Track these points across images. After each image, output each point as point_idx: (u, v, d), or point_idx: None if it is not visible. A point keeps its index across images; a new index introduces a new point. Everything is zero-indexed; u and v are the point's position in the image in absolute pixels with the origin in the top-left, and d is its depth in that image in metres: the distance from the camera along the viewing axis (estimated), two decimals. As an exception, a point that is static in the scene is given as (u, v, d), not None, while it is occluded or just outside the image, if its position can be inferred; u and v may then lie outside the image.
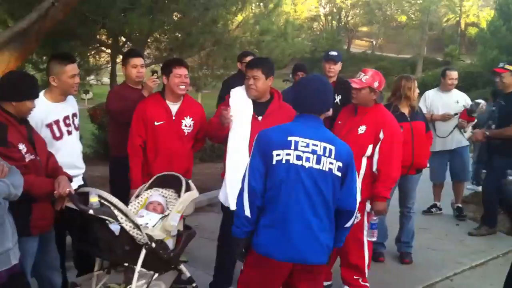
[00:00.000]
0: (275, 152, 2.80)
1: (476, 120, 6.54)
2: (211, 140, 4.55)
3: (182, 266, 3.51)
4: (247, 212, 2.82)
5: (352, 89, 4.05)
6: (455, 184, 6.69)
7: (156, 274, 3.27)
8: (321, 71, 5.35)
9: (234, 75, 6.27)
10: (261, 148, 2.84)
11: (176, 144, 4.04)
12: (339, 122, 4.18)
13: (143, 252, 3.09)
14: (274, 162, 2.80)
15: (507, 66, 5.69)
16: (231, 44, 11.65)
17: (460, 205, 6.69)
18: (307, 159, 2.79)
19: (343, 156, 2.83)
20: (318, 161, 2.79)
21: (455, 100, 6.36)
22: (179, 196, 3.47)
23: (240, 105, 3.91)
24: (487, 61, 27.90)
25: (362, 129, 4.01)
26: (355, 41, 48.40)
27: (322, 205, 2.81)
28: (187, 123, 4.10)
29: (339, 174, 2.83)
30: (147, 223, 3.32)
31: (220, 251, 4.11)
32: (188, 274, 3.54)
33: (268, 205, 2.82)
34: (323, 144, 2.82)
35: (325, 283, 4.32)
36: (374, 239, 4.14)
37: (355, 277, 4.13)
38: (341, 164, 2.82)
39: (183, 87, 4.04)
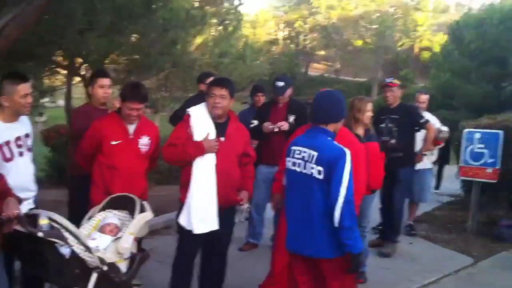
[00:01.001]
0: (286, 159, 3.39)
1: (442, 144, 6.83)
2: (170, 163, 4.48)
3: (135, 290, 3.46)
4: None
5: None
6: (411, 204, 6.88)
7: (108, 298, 3.21)
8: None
9: (196, 95, 6.30)
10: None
11: (134, 163, 4.02)
12: None
13: (94, 275, 3.04)
14: (286, 168, 3.41)
15: (395, 81, 6.07)
16: (190, 66, 11.68)
17: (411, 223, 6.88)
18: (299, 165, 3.25)
19: (323, 162, 3.12)
20: (304, 166, 3.21)
21: None
22: (133, 217, 3.43)
23: (202, 125, 3.92)
24: (440, 84, 28.79)
25: None
26: (312, 64, 49.14)
27: (309, 205, 3.16)
28: (144, 142, 4.08)
29: (320, 177, 3.12)
30: (97, 246, 3.27)
31: (175, 274, 4.07)
32: (141, 298, 3.50)
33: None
34: (309, 150, 3.20)
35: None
36: None
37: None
38: (321, 169, 3.11)
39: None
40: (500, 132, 6.83)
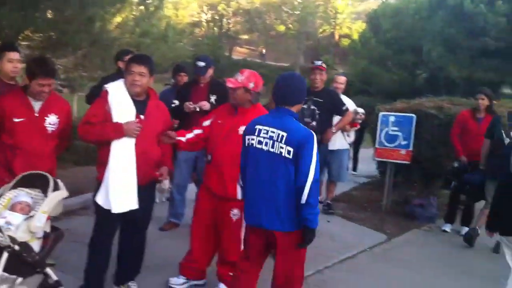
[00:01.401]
0: (246, 137, 3.50)
1: (359, 126, 7.03)
2: (86, 141, 4.29)
3: (48, 270, 3.31)
4: (241, 183, 3.66)
5: (229, 89, 4.12)
6: (330, 183, 7.07)
7: (20, 279, 3.06)
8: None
9: (114, 73, 6.09)
10: (243, 135, 3.57)
11: (38, 143, 3.82)
12: (219, 121, 4.19)
13: (5, 255, 2.90)
14: (246, 145, 3.51)
15: (323, 64, 6.20)
16: (109, 44, 11.30)
17: (330, 202, 7.10)
18: (266, 144, 3.37)
19: (293, 142, 3.26)
20: (273, 146, 3.33)
21: None
22: (46, 196, 3.30)
23: (121, 103, 3.80)
24: (358, 70, 29.68)
25: (242, 129, 4.06)
26: (236, 48, 49.14)
27: (276, 182, 3.31)
28: (52, 120, 3.88)
29: (289, 156, 3.26)
30: (9, 225, 3.11)
31: (93, 254, 3.96)
32: (55, 278, 3.34)
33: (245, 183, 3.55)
34: (279, 131, 3.32)
35: (199, 282, 4.37)
36: None
37: (230, 273, 4.18)
38: (291, 149, 3.26)
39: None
40: (413, 115, 7.14)
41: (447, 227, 6.78)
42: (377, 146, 7.36)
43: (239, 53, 48.62)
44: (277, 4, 41.68)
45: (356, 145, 12.28)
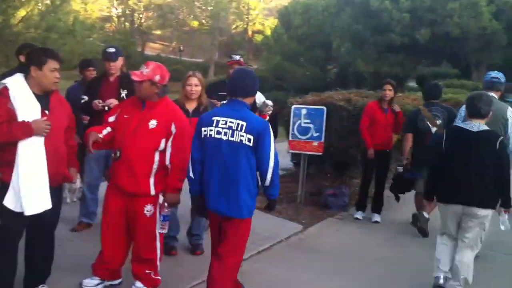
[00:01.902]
0: (203, 129, 3.72)
1: (268, 117, 7.08)
2: None
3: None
4: (191, 174, 3.81)
5: (134, 82, 4.02)
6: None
7: None
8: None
9: (15, 69, 5.77)
10: (197, 127, 3.79)
11: None
12: (125, 116, 4.07)
13: None
14: (202, 136, 3.72)
15: (242, 59, 6.30)
16: (13, 40, 10.79)
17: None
18: (225, 134, 3.63)
19: (253, 131, 3.59)
20: (232, 135, 3.61)
21: None
22: None
23: (24, 99, 3.61)
24: (271, 66, 30.13)
25: (153, 123, 3.99)
26: (149, 43, 48.30)
27: (239, 168, 3.61)
28: None
29: (250, 144, 3.59)
30: None
31: (-1, 259, 3.75)
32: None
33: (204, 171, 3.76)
34: (238, 121, 3.62)
35: (114, 282, 4.27)
36: (165, 231, 4.19)
37: (147, 271, 4.12)
38: (251, 137, 3.59)
39: None
40: (324, 108, 7.33)
41: (359, 215, 7.04)
42: (290, 138, 7.49)
43: (152, 48, 47.85)
44: (190, -1, 41.37)
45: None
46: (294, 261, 5.35)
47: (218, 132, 3.66)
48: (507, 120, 5.48)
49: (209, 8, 41.52)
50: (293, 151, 7.82)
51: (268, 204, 3.97)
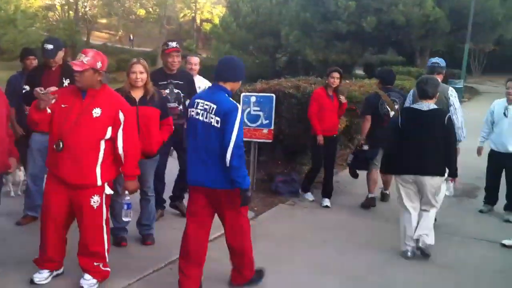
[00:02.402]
0: (189, 110, 4.06)
1: None
2: None
3: None
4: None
5: (75, 72, 3.90)
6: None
7: None
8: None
9: None
10: (187, 107, 4.15)
11: None
12: (63, 105, 3.92)
13: None
14: (188, 116, 4.07)
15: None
16: None
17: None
18: (202, 115, 3.91)
19: (220, 113, 3.81)
20: (206, 116, 3.88)
21: (197, 86, 6.64)
22: None
23: None
24: (221, 54, 29.96)
25: (97, 112, 3.89)
26: (94, 32, 47.17)
27: (209, 147, 3.87)
28: None
29: (217, 125, 3.82)
30: None
31: None
32: None
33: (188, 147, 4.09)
34: (210, 103, 3.89)
35: (58, 271, 4.20)
36: (129, 219, 4.27)
37: (95, 263, 4.04)
38: (218, 119, 3.81)
39: None
40: (273, 95, 7.35)
41: (309, 196, 7.14)
42: (240, 126, 7.47)
43: (98, 37, 46.75)
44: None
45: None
46: (246, 248, 5.34)
47: (197, 113, 3.97)
48: (449, 99, 6.16)
49: (156, -3, 40.87)
50: (244, 139, 7.79)
51: (240, 198, 3.91)
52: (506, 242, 5.73)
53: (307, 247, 5.47)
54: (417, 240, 5.29)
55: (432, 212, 5.34)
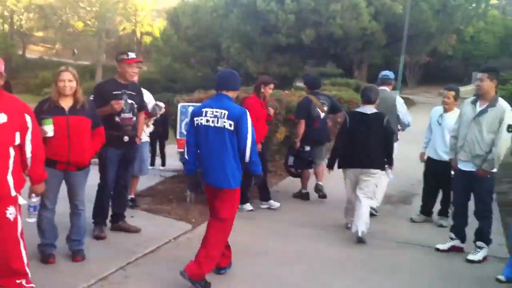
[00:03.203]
0: (195, 119, 4.54)
1: (158, 116, 6.94)
2: None
3: None
4: (186, 156, 4.66)
5: None
6: (132, 178, 6.88)
7: None
8: None
9: None
10: (190, 117, 4.64)
11: None
12: None
13: None
14: (195, 125, 4.54)
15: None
16: None
17: (133, 197, 6.94)
18: (212, 121, 4.44)
19: (233, 117, 4.39)
20: (218, 122, 4.42)
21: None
22: None
23: None
24: (162, 67, 29.74)
25: (2, 118, 3.68)
26: (30, 46, 45.77)
27: (224, 149, 4.42)
28: None
29: (231, 128, 4.39)
30: None
31: None
32: None
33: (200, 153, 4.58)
34: (221, 110, 4.43)
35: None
36: (34, 219, 4.28)
37: (17, 281, 3.80)
38: (232, 123, 4.39)
39: None
40: (211, 104, 7.26)
41: (247, 206, 7.08)
42: (178, 137, 7.35)
43: (34, 51, 45.40)
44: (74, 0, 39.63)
45: (161, 140, 12.23)
46: (182, 260, 5.16)
47: (207, 121, 4.46)
48: (398, 111, 7.22)
49: (94, 9, 40.02)
50: (182, 150, 7.67)
51: (254, 180, 4.72)
52: (440, 246, 5.85)
53: (245, 257, 5.38)
54: (356, 231, 5.99)
55: (371, 202, 6.23)
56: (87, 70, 37.39)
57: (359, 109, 6.32)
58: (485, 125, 5.43)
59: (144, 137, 6.82)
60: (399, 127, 7.33)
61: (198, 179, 4.73)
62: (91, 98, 5.51)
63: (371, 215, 6.46)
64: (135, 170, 6.82)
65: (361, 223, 5.96)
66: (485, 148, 5.44)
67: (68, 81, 4.66)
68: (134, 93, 5.71)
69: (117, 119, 5.54)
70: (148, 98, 6.61)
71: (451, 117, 6.55)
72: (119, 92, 5.56)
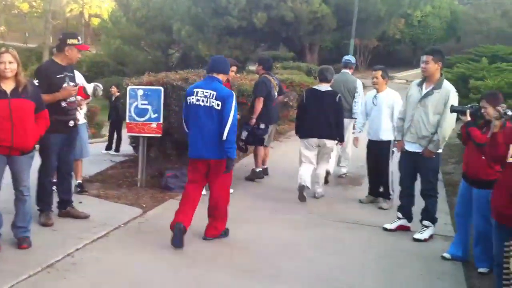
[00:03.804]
0: (188, 98, 5.17)
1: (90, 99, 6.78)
2: None
3: None
4: (186, 129, 5.31)
5: None
6: (76, 162, 6.73)
7: None
8: None
9: None
10: (184, 97, 5.28)
11: None
12: None
13: None
14: (188, 103, 5.17)
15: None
16: None
17: (80, 181, 6.79)
18: (202, 101, 5.06)
19: (219, 98, 5.01)
20: (207, 101, 5.04)
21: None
22: None
23: None
24: (111, 50, 29.07)
25: None
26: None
27: (211, 127, 5.04)
28: None
29: (218, 108, 5.01)
30: None
31: None
32: None
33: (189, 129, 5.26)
34: (210, 91, 5.05)
35: None
36: None
37: None
38: (219, 103, 5.00)
39: None
40: (160, 88, 7.16)
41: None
42: (127, 121, 7.20)
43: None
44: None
45: (116, 124, 12.04)
46: (132, 245, 5.16)
47: (198, 100, 5.08)
48: (357, 92, 8.16)
49: (39, -10, 38.73)
50: (132, 134, 7.55)
51: (226, 164, 5.11)
52: (387, 226, 5.99)
53: (197, 241, 5.37)
54: (314, 193, 7.09)
55: (325, 167, 7.27)
56: (34, 53, 36.21)
57: (315, 87, 7.16)
58: (431, 106, 5.57)
59: (81, 119, 6.68)
60: (355, 109, 8.15)
61: None
62: (35, 82, 5.34)
63: (326, 182, 7.52)
64: (77, 154, 6.69)
65: (317, 186, 7.13)
66: (431, 129, 5.58)
67: (9, 62, 4.50)
68: (72, 75, 5.66)
69: (63, 103, 5.46)
70: (80, 79, 6.51)
71: (385, 97, 6.76)
72: (62, 75, 5.47)
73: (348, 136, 8.11)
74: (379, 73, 6.86)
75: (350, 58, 8.56)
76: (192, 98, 5.10)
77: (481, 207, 4.75)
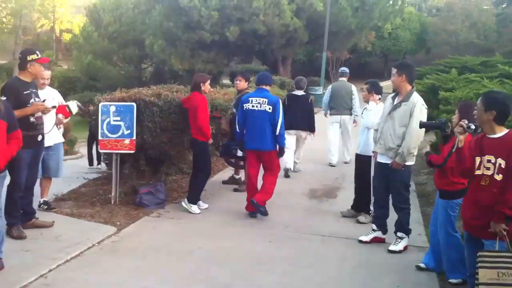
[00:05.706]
0: (244, 105, 6.85)
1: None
2: None
3: None
4: (237, 129, 7.00)
5: None
6: (45, 180, 6.65)
7: None
8: None
9: None
10: (240, 104, 6.97)
11: None
12: None
13: None
14: (244, 109, 6.83)
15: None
16: None
17: (46, 199, 6.74)
18: (257, 106, 6.74)
19: (271, 103, 6.71)
20: (260, 106, 6.71)
21: (51, 97, 6.41)
22: None
23: None
24: (83, 65, 28.74)
25: None
26: None
27: (265, 126, 6.70)
28: None
29: (270, 111, 6.68)
30: None
31: None
32: None
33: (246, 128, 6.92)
34: (263, 99, 6.75)
35: None
36: None
37: None
38: (271, 107, 6.69)
39: None
40: (133, 104, 7.12)
41: (195, 209, 7.02)
42: (100, 138, 7.12)
43: None
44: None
45: (92, 140, 11.86)
46: (107, 264, 5.09)
47: (253, 106, 6.75)
48: (353, 94, 10.43)
49: (9, 6, 38.15)
50: (104, 151, 7.48)
51: (278, 152, 6.90)
52: (363, 238, 6.03)
53: (173, 259, 5.33)
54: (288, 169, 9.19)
55: (301, 150, 9.77)
56: (4, 69, 35.61)
57: (293, 92, 9.82)
58: (398, 118, 5.66)
59: (59, 137, 6.62)
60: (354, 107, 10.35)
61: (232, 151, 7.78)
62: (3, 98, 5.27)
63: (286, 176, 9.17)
64: (52, 172, 6.62)
65: (296, 164, 9.65)
66: (397, 141, 5.67)
67: None
68: (36, 91, 5.74)
69: (32, 119, 5.52)
70: (58, 97, 6.62)
71: (370, 112, 6.82)
72: (28, 91, 5.53)
73: (350, 130, 10.50)
74: (366, 86, 7.16)
75: (345, 69, 10.88)
76: (248, 105, 6.76)
77: (440, 216, 4.95)
